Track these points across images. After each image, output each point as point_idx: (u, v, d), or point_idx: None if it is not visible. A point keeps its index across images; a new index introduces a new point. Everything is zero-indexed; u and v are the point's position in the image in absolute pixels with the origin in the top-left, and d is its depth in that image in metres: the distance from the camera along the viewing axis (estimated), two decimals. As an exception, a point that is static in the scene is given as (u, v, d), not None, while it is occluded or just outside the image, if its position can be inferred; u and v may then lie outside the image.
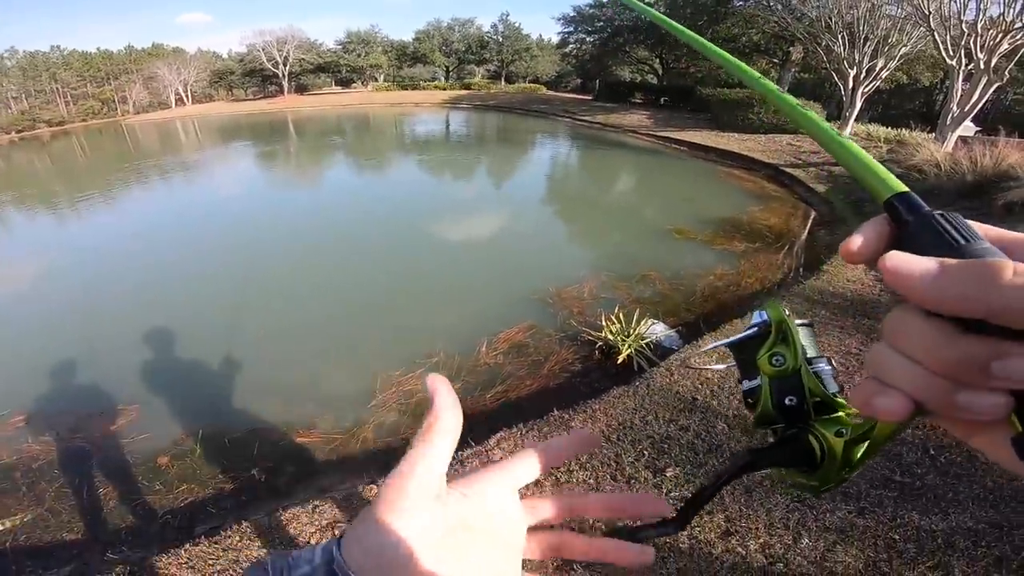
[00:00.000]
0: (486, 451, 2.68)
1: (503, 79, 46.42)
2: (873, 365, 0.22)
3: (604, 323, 3.79)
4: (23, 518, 2.79)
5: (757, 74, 0.36)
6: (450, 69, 50.66)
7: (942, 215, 0.22)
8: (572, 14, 29.07)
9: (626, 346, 3.56)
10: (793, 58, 19.00)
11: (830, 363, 0.33)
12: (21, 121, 45.73)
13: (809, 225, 7.13)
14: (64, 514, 2.75)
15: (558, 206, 9.32)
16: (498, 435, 2.76)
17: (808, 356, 0.32)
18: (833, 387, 0.32)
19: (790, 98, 0.33)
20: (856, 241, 0.24)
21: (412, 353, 3.87)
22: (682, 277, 5.04)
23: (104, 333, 4.58)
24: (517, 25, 46.39)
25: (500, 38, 46.56)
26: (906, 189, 0.24)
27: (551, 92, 39.21)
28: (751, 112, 13.84)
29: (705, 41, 0.44)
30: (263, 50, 43.87)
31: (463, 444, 2.80)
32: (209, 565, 2.12)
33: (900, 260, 0.20)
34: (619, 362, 3.52)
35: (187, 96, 49.41)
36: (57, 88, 50.28)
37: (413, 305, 4.86)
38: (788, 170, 9.80)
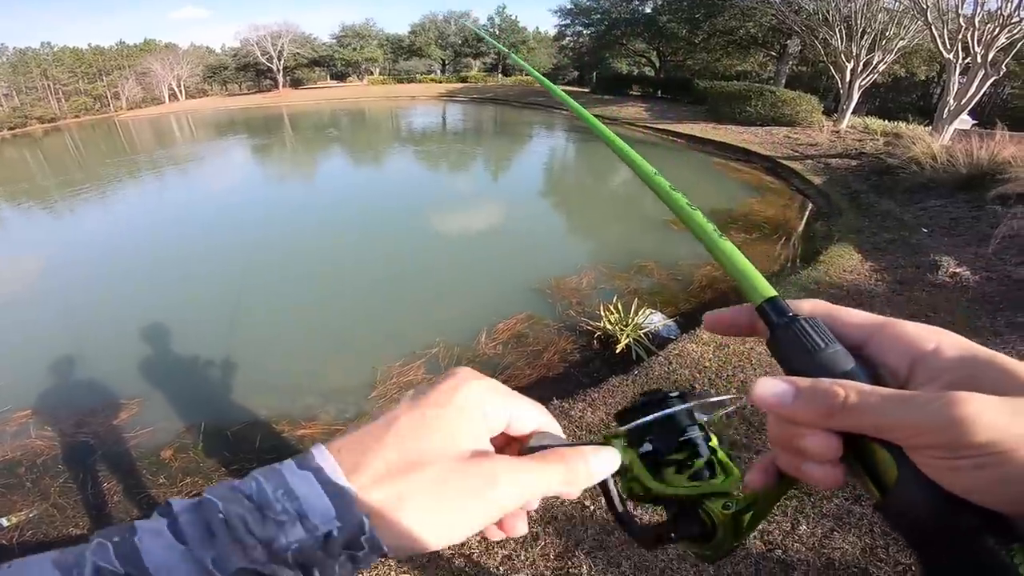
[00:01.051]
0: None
1: (500, 72, 46.19)
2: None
3: (603, 313, 3.81)
4: (28, 514, 2.80)
5: (651, 168, 0.41)
6: (446, 62, 50.38)
7: (804, 321, 0.27)
8: (569, 6, 28.84)
9: (624, 336, 3.58)
10: (790, 51, 18.99)
11: (703, 429, 0.34)
12: (12, 118, 45.15)
13: (806, 217, 7.15)
14: (69, 509, 2.76)
15: (556, 198, 9.32)
16: None
17: (666, 456, 0.33)
18: (704, 472, 0.33)
19: (679, 195, 0.36)
20: (719, 315, 0.32)
21: (412, 344, 3.88)
22: (679, 267, 5.06)
23: (106, 328, 4.58)
24: (514, 17, 46.18)
25: (497, 31, 46.30)
26: (774, 294, 0.29)
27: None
28: (748, 104, 13.82)
29: (598, 123, 0.52)
30: (257, 44, 43.52)
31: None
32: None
33: (762, 390, 0.25)
34: (618, 351, 3.54)
35: (180, 91, 48.98)
36: (48, 85, 49.71)
37: (412, 296, 4.87)
38: (785, 162, 9.81)
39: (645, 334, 3.65)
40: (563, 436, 0.31)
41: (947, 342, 0.25)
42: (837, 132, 11.88)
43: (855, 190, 7.65)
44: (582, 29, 29.68)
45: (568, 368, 3.56)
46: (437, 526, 0.24)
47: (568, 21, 29.79)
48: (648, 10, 24.89)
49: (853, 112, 12.88)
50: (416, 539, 0.24)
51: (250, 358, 3.91)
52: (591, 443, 0.31)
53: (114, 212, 9.70)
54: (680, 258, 5.30)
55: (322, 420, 3.20)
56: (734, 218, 6.75)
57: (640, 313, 3.82)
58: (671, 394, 0.36)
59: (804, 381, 0.25)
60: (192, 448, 3.06)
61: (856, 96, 12.44)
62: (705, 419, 0.36)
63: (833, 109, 14.17)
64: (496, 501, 0.25)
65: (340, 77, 53.36)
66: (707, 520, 0.32)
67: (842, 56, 12.31)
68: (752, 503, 0.32)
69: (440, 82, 42.30)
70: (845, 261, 4.77)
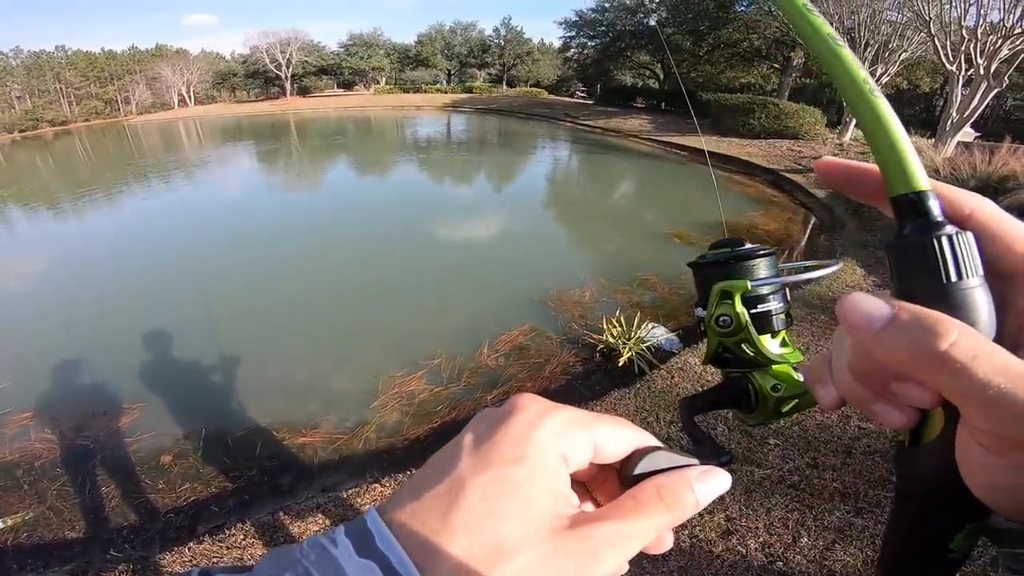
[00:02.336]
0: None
1: (504, 83, 46.58)
2: (832, 347, 0.24)
3: (605, 326, 3.82)
4: (25, 516, 2.78)
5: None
6: (452, 72, 50.88)
7: (953, 236, 0.20)
8: (574, 18, 29.18)
9: (627, 349, 3.58)
10: (794, 63, 19.09)
11: (784, 299, 0.34)
12: (24, 120, 45.76)
13: (809, 230, 7.16)
14: (66, 512, 2.75)
15: (559, 210, 9.36)
16: None
17: (757, 304, 0.33)
18: (775, 343, 0.34)
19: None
20: (838, 163, 0.26)
21: (414, 354, 3.89)
22: (681, 281, 5.06)
23: (108, 332, 4.60)
24: (519, 29, 46.69)
25: (502, 42, 46.78)
26: (926, 187, 0.21)
27: (552, 96, 39.38)
28: (752, 117, 13.88)
29: None
30: (266, 52, 44.06)
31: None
32: (214, 563, 2.13)
33: (851, 305, 0.20)
34: (620, 365, 3.54)
35: (189, 97, 49.53)
36: (61, 88, 50.38)
37: (415, 306, 4.89)
38: (788, 175, 9.84)
39: (647, 348, 3.65)
40: (662, 446, 0.26)
41: None
42: (840, 145, 11.93)
43: (859, 204, 7.61)
44: (587, 41, 29.98)
45: (570, 381, 3.56)
46: None
47: (573, 33, 30.13)
48: (652, 22, 25.13)
49: (856, 124, 12.90)
50: None
51: (253, 365, 3.92)
52: (698, 457, 0.25)
53: (119, 216, 9.79)
54: (682, 272, 5.28)
55: (323, 428, 3.20)
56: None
57: (642, 327, 3.82)
58: (761, 250, 0.35)
59: (910, 308, 0.19)
60: (192, 454, 3.07)
61: (859, 109, 12.46)
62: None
63: (837, 122, 14.23)
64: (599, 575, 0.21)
65: (347, 86, 53.94)
66: (752, 393, 0.33)
67: (845, 69, 12.35)
68: (799, 395, 0.32)
69: (445, 92, 42.69)
70: (848, 276, 4.76)
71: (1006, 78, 8.60)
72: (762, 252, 0.34)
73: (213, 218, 9.03)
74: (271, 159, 16.57)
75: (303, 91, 49.80)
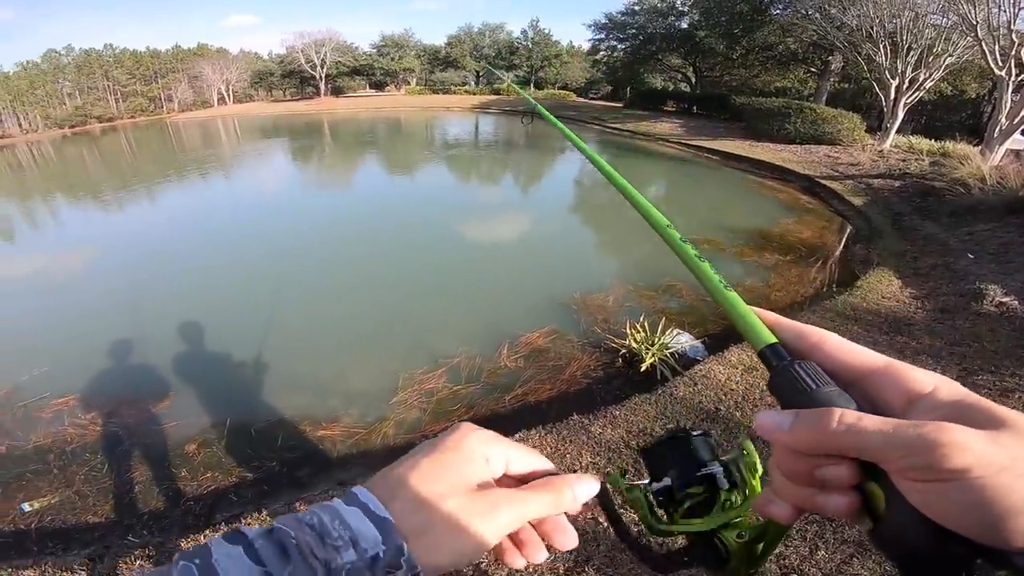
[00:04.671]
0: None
1: (532, 85, 46.60)
2: (771, 480, 0.31)
3: (628, 331, 3.77)
4: (51, 500, 2.86)
5: (664, 220, 0.46)
6: (480, 74, 51.17)
7: (799, 365, 0.29)
8: (604, 21, 28.95)
9: (650, 355, 3.53)
10: (832, 68, 18.50)
11: (725, 467, 0.37)
12: (74, 117, 48.19)
13: (844, 239, 6.92)
14: (91, 497, 2.84)
15: (584, 213, 9.30)
16: (516, 435, 2.77)
17: (683, 485, 0.37)
18: (720, 510, 0.36)
19: (688, 247, 0.41)
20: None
21: (434, 352, 3.93)
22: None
23: (143, 322, 4.80)
24: (547, 31, 46.60)
25: (530, 44, 46.82)
26: (774, 341, 0.32)
27: (580, 99, 39.16)
28: (787, 122, 13.52)
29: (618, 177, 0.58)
30: (302, 52, 45.24)
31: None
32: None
33: (762, 419, 0.29)
34: (642, 370, 3.50)
35: (228, 96, 51.19)
36: (108, 85, 52.80)
37: (437, 305, 4.94)
38: (824, 182, 9.54)
39: (671, 354, 3.59)
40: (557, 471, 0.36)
41: (945, 387, 0.27)
42: (880, 152, 11.49)
43: (897, 212, 7.37)
44: (616, 44, 29.70)
45: (590, 384, 3.53)
46: (457, 546, 0.30)
47: (602, 35, 29.89)
48: (685, 25, 24.73)
49: (897, 131, 12.44)
50: (442, 557, 0.29)
51: (279, 359, 4.03)
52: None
53: (159, 209, 10.22)
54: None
55: (343, 423, 3.25)
56: (768, 238, 6.58)
57: (667, 332, 3.76)
58: (693, 432, 0.39)
59: (802, 411, 0.28)
60: (216, 443, 3.15)
61: (901, 114, 12.02)
62: (731, 456, 0.38)
63: (876, 128, 13.73)
64: (497, 522, 0.31)
65: (378, 86, 54.85)
66: (721, 548, 0.35)
67: (887, 73, 11.93)
68: (763, 532, 0.34)
69: (474, 94, 42.97)
70: (884, 287, 4.59)
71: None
72: (697, 434, 0.39)
73: (246, 214, 9.33)
74: (304, 158, 16.99)
75: (336, 91, 50.88)
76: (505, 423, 3.13)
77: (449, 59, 50.58)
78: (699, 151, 14.42)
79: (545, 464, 0.36)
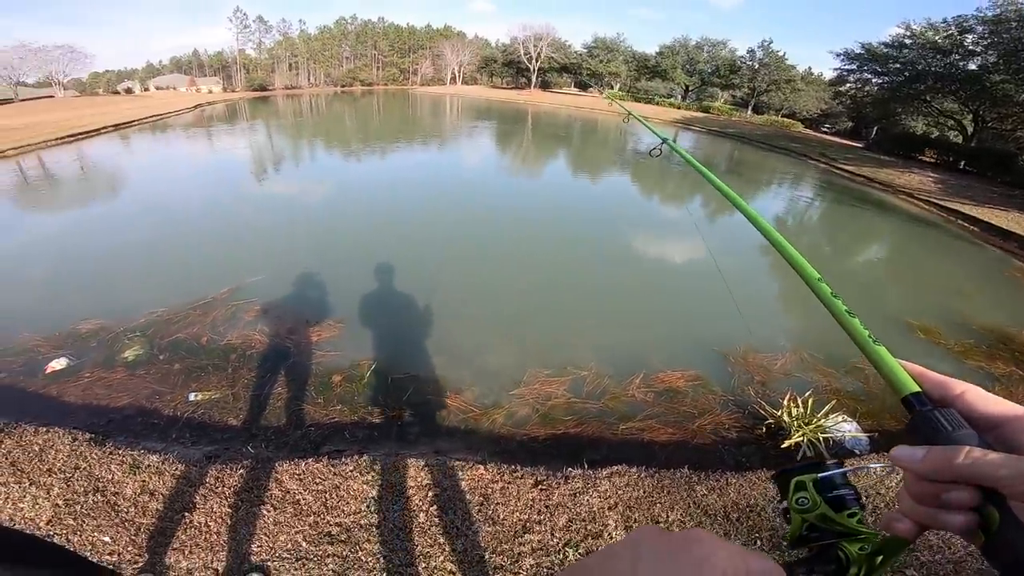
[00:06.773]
0: (594, 476, 2.49)
1: (750, 108, 42.48)
2: (898, 501, 0.36)
3: (785, 402, 3.21)
4: (213, 395, 3.10)
5: (815, 273, 0.52)
6: (689, 88, 48.38)
7: (938, 411, 0.34)
8: (859, 51, 24.61)
9: (799, 433, 2.92)
10: None
11: (855, 491, 0.40)
12: (346, 78, 59.55)
13: None
14: (242, 400, 3.08)
15: (775, 257, 8.06)
16: (613, 467, 2.56)
17: (831, 491, 0.39)
18: (853, 512, 0.39)
19: (839, 301, 0.47)
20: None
21: (566, 359, 3.83)
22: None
23: (343, 259, 5.70)
24: (781, 54, 41.72)
25: (756, 64, 42.52)
26: (917, 389, 0.37)
27: (809, 131, 34.45)
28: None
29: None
30: (522, 44, 48.48)
31: (571, 462, 2.64)
32: (316, 483, 2.30)
33: (898, 452, 0.34)
34: (783, 446, 2.94)
35: (459, 76, 57.59)
36: (374, 54, 63.93)
37: (586, 312, 4.84)
38: None
39: (825, 439, 2.95)
40: None
41: None
42: None
43: None
44: (871, 77, 25.11)
45: (717, 442, 3.10)
46: None
47: (854, 66, 25.50)
48: (973, 67, 19.60)
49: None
50: None
51: (438, 319, 4.35)
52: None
53: (384, 168, 12.22)
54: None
55: (464, 397, 3.31)
56: (1008, 343, 4.81)
57: (830, 416, 3.12)
58: (830, 462, 0.42)
59: (933, 447, 0.33)
60: (356, 381, 3.35)
61: None
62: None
63: None
64: None
65: (582, 86, 55.99)
66: (843, 559, 0.37)
67: None
68: (883, 546, 0.37)
69: (678, 108, 40.98)
70: None
71: None
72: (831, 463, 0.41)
73: (449, 185, 10.61)
74: (505, 141, 18.33)
75: (545, 85, 53.52)
76: (607, 449, 2.94)
77: (658, 69, 48.84)
78: (953, 216, 11.44)
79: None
